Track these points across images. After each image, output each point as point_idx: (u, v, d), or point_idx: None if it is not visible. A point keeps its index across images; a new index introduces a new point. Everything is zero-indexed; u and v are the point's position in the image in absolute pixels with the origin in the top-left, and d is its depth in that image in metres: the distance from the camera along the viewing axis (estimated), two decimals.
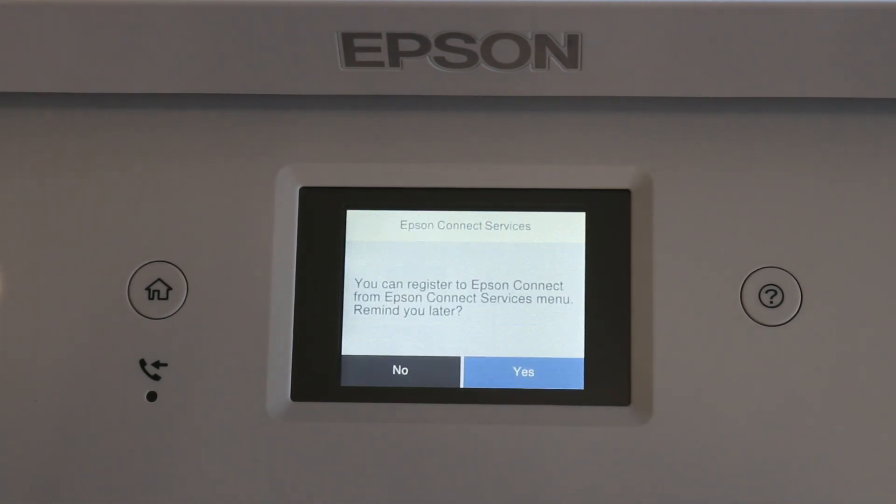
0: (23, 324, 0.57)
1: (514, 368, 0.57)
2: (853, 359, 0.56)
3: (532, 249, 0.58)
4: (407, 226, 0.58)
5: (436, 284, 0.58)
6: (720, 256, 0.57)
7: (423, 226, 0.58)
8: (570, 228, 0.58)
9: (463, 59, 0.54)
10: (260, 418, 0.56)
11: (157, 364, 0.57)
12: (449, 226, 0.58)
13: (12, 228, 0.58)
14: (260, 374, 0.56)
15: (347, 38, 0.53)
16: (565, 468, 0.56)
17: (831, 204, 0.57)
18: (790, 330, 0.56)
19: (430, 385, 0.57)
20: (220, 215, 0.58)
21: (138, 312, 0.57)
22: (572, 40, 0.53)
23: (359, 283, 0.58)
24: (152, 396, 0.57)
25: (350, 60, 0.54)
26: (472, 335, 0.57)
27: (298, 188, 0.58)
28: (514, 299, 0.57)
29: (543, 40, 0.53)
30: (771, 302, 0.56)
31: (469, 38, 0.53)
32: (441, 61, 0.54)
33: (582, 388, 0.57)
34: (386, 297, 0.58)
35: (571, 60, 0.54)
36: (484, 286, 0.58)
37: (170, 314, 0.57)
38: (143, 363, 0.57)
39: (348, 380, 0.57)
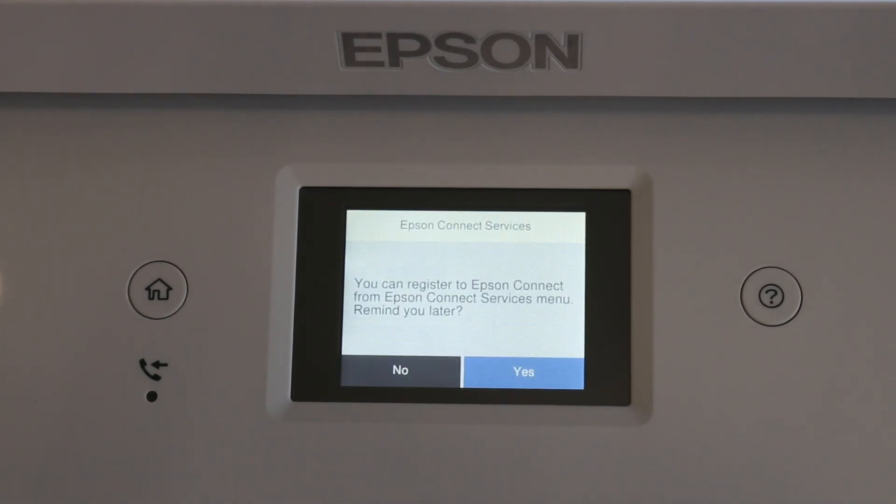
0: (23, 324, 0.57)
1: (514, 368, 0.57)
2: (853, 359, 0.56)
3: (532, 249, 0.58)
4: (407, 226, 0.58)
5: (436, 284, 0.58)
6: (720, 256, 0.57)
7: (423, 226, 0.58)
8: (570, 228, 0.58)
9: (463, 59, 0.54)
10: (260, 418, 0.56)
11: (157, 364, 0.57)
12: (449, 226, 0.58)
13: (12, 228, 0.58)
14: (260, 374, 0.56)
15: (347, 38, 0.53)
16: (565, 468, 0.56)
17: (831, 204, 0.57)
18: (790, 330, 0.56)
19: (430, 385, 0.57)
20: (220, 215, 0.58)
21: (138, 312, 0.57)
22: (572, 40, 0.53)
23: (359, 283, 0.58)
24: (152, 396, 0.57)
25: (350, 60, 0.54)
26: (472, 335, 0.57)
27: (298, 188, 0.58)
28: (514, 299, 0.57)
29: (543, 40, 0.53)
30: (771, 302, 0.56)
31: (469, 38, 0.53)
32: (441, 61, 0.54)
33: (582, 388, 0.57)
34: (386, 297, 0.58)
35: (571, 60, 0.54)
36: (484, 286, 0.58)
37: (170, 314, 0.57)
38: (143, 363, 0.57)
39: (348, 380, 0.57)
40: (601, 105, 0.58)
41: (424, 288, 0.58)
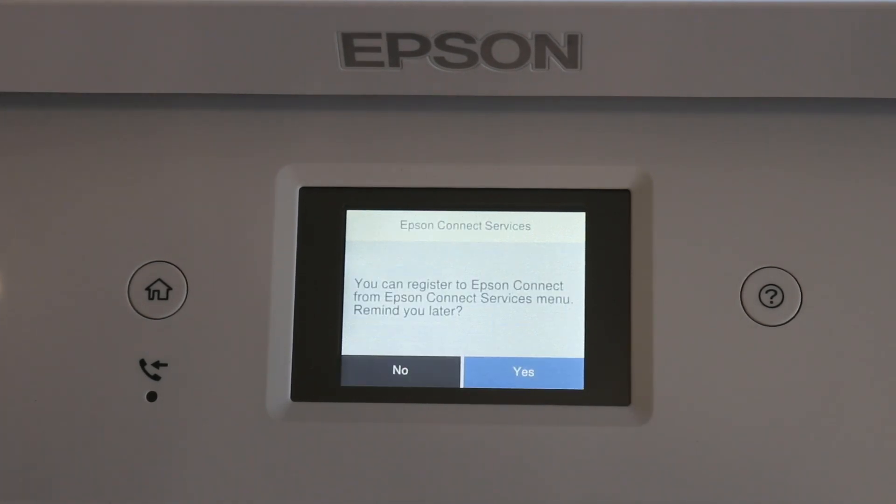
0: (23, 324, 0.57)
1: (514, 368, 0.57)
2: (853, 359, 0.56)
3: (532, 249, 0.58)
4: (407, 226, 0.58)
5: (436, 284, 0.58)
6: (720, 256, 0.57)
7: (423, 226, 0.58)
8: (570, 228, 0.58)
9: (463, 59, 0.54)
10: (260, 418, 0.56)
11: (157, 364, 0.57)
12: (449, 226, 0.58)
13: (12, 229, 0.58)
14: (260, 374, 0.56)
15: (347, 38, 0.53)
16: (565, 468, 0.56)
17: (831, 204, 0.57)
18: (790, 330, 0.56)
19: (430, 385, 0.57)
20: (220, 215, 0.58)
21: (138, 312, 0.57)
22: (572, 40, 0.53)
23: (359, 283, 0.58)
24: (152, 396, 0.57)
25: (350, 60, 0.54)
26: (472, 335, 0.57)
27: (298, 188, 0.58)
28: (514, 299, 0.57)
29: (543, 40, 0.53)
30: (771, 302, 0.56)
31: (469, 38, 0.53)
32: (441, 61, 0.54)
33: (582, 388, 0.57)
34: (386, 297, 0.58)
35: (571, 60, 0.54)
36: (484, 286, 0.58)
37: (170, 314, 0.57)
38: (143, 363, 0.57)
39: (348, 380, 0.57)
40: (601, 105, 0.58)
41: (424, 288, 0.58)
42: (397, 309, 0.58)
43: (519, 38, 0.53)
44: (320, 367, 0.57)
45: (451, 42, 0.53)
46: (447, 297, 0.58)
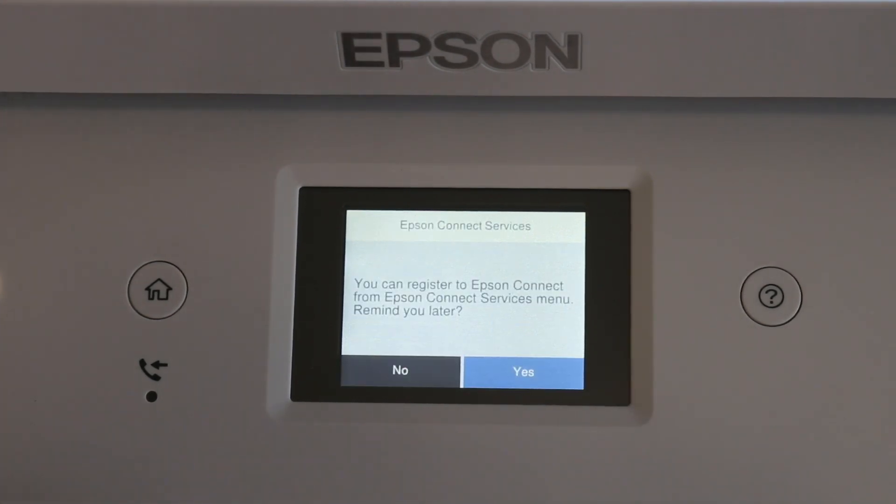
0: (23, 324, 0.57)
1: (514, 368, 0.57)
2: (853, 359, 0.56)
3: (532, 249, 0.58)
4: (407, 226, 0.58)
5: (436, 284, 0.58)
6: (720, 256, 0.57)
7: (423, 226, 0.58)
8: (570, 228, 0.58)
9: (463, 59, 0.54)
10: (260, 418, 0.56)
11: (157, 364, 0.57)
12: (449, 226, 0.58)
13: (12, 228, 0.58)
14: (260, 374, 0.56)
15: (347, 38, 0.53)
16: (565, 468, 0.56)
17: (831, 204, 0.57)
18: (790, 330, 0.56)
19: (430, 385, 0.57)
20: (220, 215, 0.58)
21: (138, 312, 0.57)
22: (572, 40, 0.53)
23: (359, 283, 0.58)
24: (152, 396, 0.57)
25: (350, 60, 0.54)
26: (472, 335, 0.57)
27: (298, 188, 0.58)
28: (514, 299, 0.57)
29: (543, 40, 0.53)
30: (771, 302, 0.56)
31: (469, 38, 0.53)
32: (441, 61, 0.54)
33: (582, 388, 0.57)
34: (386, 297, 0.58)
35: (571, 60, 0.54)
36: (484, 286, 0.58)
37: (170, 314, 0.57)
38: (143, 363, 0.57)
39: (348, 380, 0.57)
40: (601, 105, 0.58)
41: (424, 288, 0.58)
42: (397, 309, 0.58)
43: (519, 38, 0.53)
44: (320, 367, 0.57)
45: (451, 42, 0.53)
46: (447, 297, 0.58)
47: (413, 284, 0.58)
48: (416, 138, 0.58)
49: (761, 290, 0.56)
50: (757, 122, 0.58)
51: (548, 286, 0.58)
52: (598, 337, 0.57)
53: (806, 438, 0.55)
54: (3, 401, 0.57)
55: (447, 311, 0.57)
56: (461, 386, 0.57)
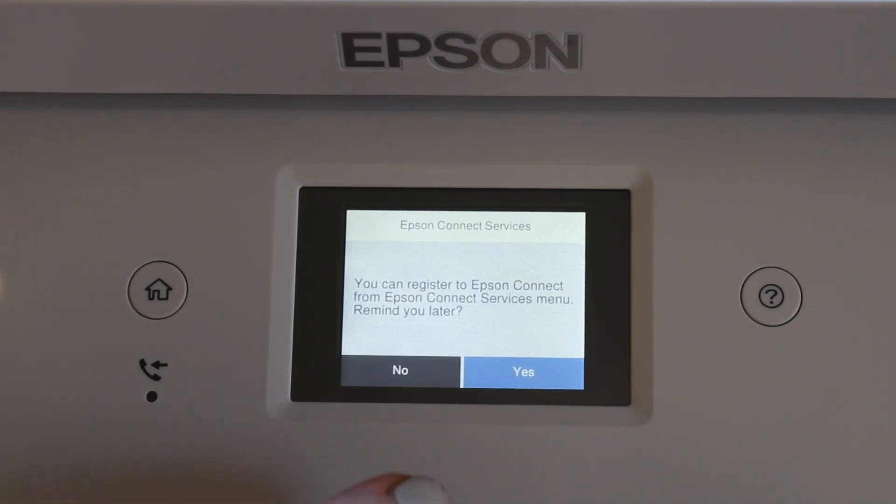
0: (23, 324, 0.57)
1: (514, 368, 0.57)
2: (853, 359, 0.56)
3: (532, 249, 0.58)
4: (407, 226, 0.58)
5: (436, 284, 0.58)
6: (720, 256, 0.57)
7: (423, 226, 0.58)
8: (570, 228, 0.58)
9: (463, 59, 0.54)
10: (260, 418, 0.56)
11: (157, 364, 0.57)
12: (449, 226, 0.58)
13: (12, 228, 0.58)
14: (260, 374, 0.56)
15: (347, 38, 0.53)
16: (565, 468, 0.56)
17: (831, 204, 0.57)
18: (790, 330, 0.56)
19: (430, 385, 0.57)
20: (220, 215, 0.58)
21: (138, 312, 0.57)
22: (572, 40, 0.53)
23: (359, 283, 0.58)
24: (152, 396, 0.57)
25: (350, 60, 0.54)
26: (472, 335, 0.57)
27: (298, 188, 0.58)
28: (514, 299, 0.57)
29: (543, 40, 0.53)
30: (771, 302, 0.56)
31: (469, 38, 0.53)
32: (441, 61, 0.54)
33: (582, 388, 0.57)
34: (386, 297, 0.58)
35: (571, 60, 0.54)
36: (484, 286, 0.58)
37: (170, 314, 0.57)
38: (143, 363, 0.57)
39: (348, 380, 0.57)
40: (601, 105, 0.58)
41: (424, 288, 0.58)
42: (397, 309, 0.58)
43: (519, 38, 0.53)
44: (320, 367, 0.57)
45: (451, 42, 0.53)
46: (447, 297, 0.58)
47: (413, 284, 0.58)
48: (416, 138, 0.58)
49: (761, 290, 0.56)
50: (757, 122, 0.58)
51: (548, 286, 0.58)
52: (598, 337, 0.57)
53: (806, 438, 0.55)
54: (2, 401, 0.56)
55: (447, 311, 0.57)
56: (461, 386, 0.57)
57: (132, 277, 0.57)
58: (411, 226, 0.58)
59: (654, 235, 0.57)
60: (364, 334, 0.57)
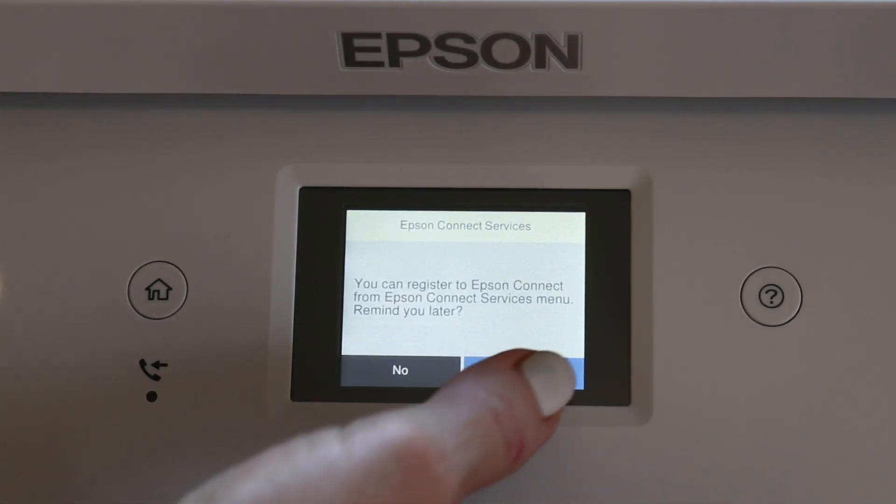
0: (23, 324, 0.57)
1: None
2: (853, 359, 0.56)
3: (532, 249, 0.58)
4: (407, 226, 0.58)
5: (436, 284, 0.58)
6: (720, 256, 0.57)
7: (423, 226, 0.58)
8: (570, 228, 0.58)
9: (463, 59, 0.54)
10: (260, 418, 0.56)
11: (157, 364, 0.57)
12: (449, 226, 0.58)
13: (12, 228, 0.58)
14: (260, 374, 0.56)
15: (347, 38, 0.53)
16: (565, 468, 0.55)
17: (831, 204, 0.57)
18: (790, 330, 0.56)
19: (430, 385, 0.57)
20: (220, 215, 0.58)
21: (138, 312, 0.57)
22: (572, 40, 0.53)
23: (359, 283, 0.58)
24: (152, 396, 0.57)
25: (350, 60, 0.54)
26: (472, 335, 0.57)
27: (298, 188, 0.58)
28: (514, 299, 0.57)
29: (543, 40, 0.53)
30: (771, 302, 0.56)
31: (469, 38, 0.53)
32: (441, 61, 0.54)
33: (582, 388, 0.57)
34: (386, 297, 0.58)
35: (571, 60, 0.54)
36: (484, 286, 0.58)
37: (170, 314, 0.57)
38: (143, 363, 0.57)
39: (348, 380, 0.57)
40: (601, 105, 0.58)
41: (424, 288, 0.58)
42: (397, 309, 0.58)
43: (519, 38, 0.53)
44: (320, 367, 0.57)
45: (451, 42, 0.53)
46: (447, 297, 0.58)
47: (413, 284, 0.58)
48: (416, 138, 0.58)
49: (761, 290, 0.56)
50: (757, 122, 0.58)
51: (548, 286, 0.58)
52: (598, 337, 0.57)
53: (806, 438, 0.55)
54: (2, 401, 0.56)
55: (447, 311, 0.57)
56: None
57: (132, 277, 0.57)
58: (411, 226, 0.58)
59: (654, 235, 0.57)
60: (364, 334, 0.57)
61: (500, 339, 0.57)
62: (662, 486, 0.55)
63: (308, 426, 0.56)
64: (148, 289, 0.57)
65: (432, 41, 0.53)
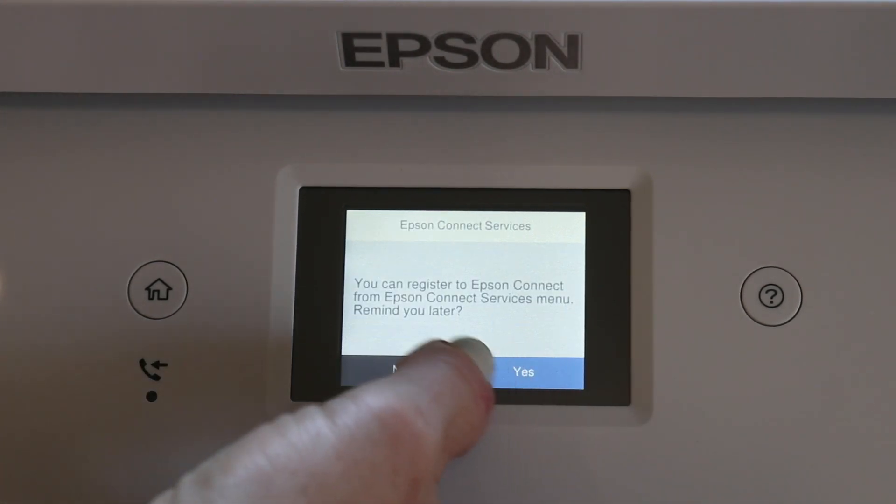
0: (23, 324, 0.57)
1: (514, 368, 0.57)
2: (853, 359, 0.56)
3: (532, 249, 0.58)
4: (407, 226, 0.58)
5: (436, 284, 0.58)
6: (720, 256, 0.57)
7: (423, 226, 0.58)
8: (570, 228, 0.58)
9: (463, 59, 0.54)
10: (260, 418, 0.56)
11: (157, 364, 0.57)
12: (449, 226, 0.58)
13: (12, 228, 0.58)
14: (260, 374, 0.56)
15: (347, 38, 0.53)
16: (565, 468, 0.56)
17: (831, 204, 0.57)
18: (790, 330, 0.56)
19: None
20: (220, 215, 0.58)
21: (138, 312, 0.57)
22: (572, 40, 0.53)
23: (359, 283, 0.58)
24: (152, 396, 0.57)
25: (350, 60, 0.54)
26: (472, 335, 0.57)
27: (298, 188, 0.58)
28: (514, 299, 0.57)
29: (543, 40, 0.53)
30: (771, 302, 0.56)
31: (469, 38, 0.53)
32: (441, 61, 0.54)
33: (582, 388, 0.57)
34: (386, 297, 0.58)
35: (571, 60, 0.54)
36: (484, 286, 0.58)
37: (170, 314, 0.57)
38: (143, 363, 0.57)
39: (348, 380, 0.57)
40: (601, 105, 0.58)
41: (424, 288, 0.58)
42: (397, 309, 0.58)
43: (519, 38, 0.53)
44: (320, 367, 0.57)
45: (451, 42, 0.53)
46: (447, 297, 0.58)
47: (413, 284, 0.58)
48: (416, 138, 0.58)
49: (761, 290, 0.56)
50: (757, 122, 0.58)
51: (548, 286, 0.58)
52: (598, 337, 0.57)
53: (806, 438, 0.55)
54: (2, 401, 0.56)
55: (447, 311, 0.57)
56: None
57: (132, 277, 0.58)
58: (411, 226, 0.58)
59: (654, 235, 0.57)
60: (364, 334, 0.57)
61: (500, 339, 0.57)
62: (662, 486, 0.55)
63: None
64: (148, 289, 0.57)
65: (432, 41, 0.53)
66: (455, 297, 0.58)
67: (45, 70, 0.56)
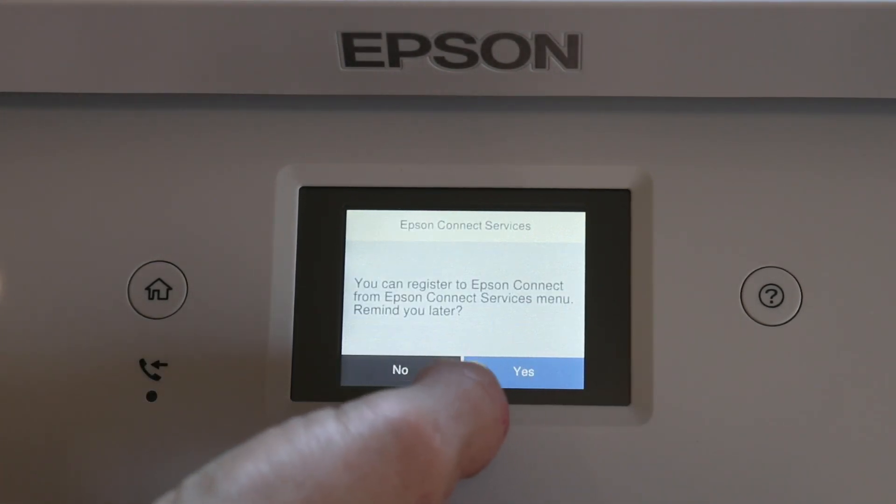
0: (23, 324, 0.57)
1: (514, 368, 0.57)
2: (853, 359, 0.56)
3: (532, 249, 0.58)
4: (407, 226, 0.58)
5: (436, 284, 0.58)
6: (720, 256, 0.57)
7: (423, 226, 0.58)
8: (570, 228, 0.58)
9: (463, 59, 0.54)
10: (260, 418, 0.56)
11: (157, 364, 0.57)
12: (449, 226, 0.58)
13: (12, 228, 0.58)
14: (259, 374, 0.56)
15: (347, 38, 0.53)
16: (565, 468, 0.56)
17: (831, 203, 0.57)
18: (790, 330, 0.56)
19: None
20: (220, 215, 0.58)
21: (138, 312, 0.57)
22: (572, 40, 0.53)
23: (359, 283, 0.58)
24: (152, 396, 0.57)
25: (350, 60, 0.54)
26: (472, 335, 0.57)
27: (298, 188, 0.58)
28: (514, 299, 0.57)
29: (543, 40, 0.53)
30: (771, 302, 0.56)
31: (469, 38, 0.53)
32: (441, 61, 0.54)
33: (582, 388, 0.57)
34: (386, 297, 0.58)
35: (571, 60, 0.54)
36: (484, 286, 0.58)
37: (170, 314, 0.57)
38: (143, 363, 0.57)
39: (348, 380, 0.57)
40: (601, 105, 0.58)
41: (424, 288, 0.58)
42: (397, 309, 0.58)
43: (519, 38, 0.53)
44: (320, 367, 0.57)
45: (451, 42, 0.53)
46: (447, 297, 0.58)
47: (413, 284, 0.58)
48: (416, 138, 0.58)
49: (761, 289, 0.56)
50: (757, 122, 0.58)
51: (548, 286, 0.58)
52: (598, 337, 0.57)
53: (806, 438, 0.55)
54: (3, 401, 0.56)
55: (447, 311, 0.57)
56: None
57: (132, 277, 0.58)
58: (411, 226, 0.58)
59: (654, 235, 0.57)
60: (364, 334, 0.57)
61: (500, 339, 0.57)
62: (662, 486, 0.55)
63: None
64: (148, 288, 0.57)
65: (432, 41, 0.53)
66: (455, 297, 0.58)
67: (45, 70, 0.56)
